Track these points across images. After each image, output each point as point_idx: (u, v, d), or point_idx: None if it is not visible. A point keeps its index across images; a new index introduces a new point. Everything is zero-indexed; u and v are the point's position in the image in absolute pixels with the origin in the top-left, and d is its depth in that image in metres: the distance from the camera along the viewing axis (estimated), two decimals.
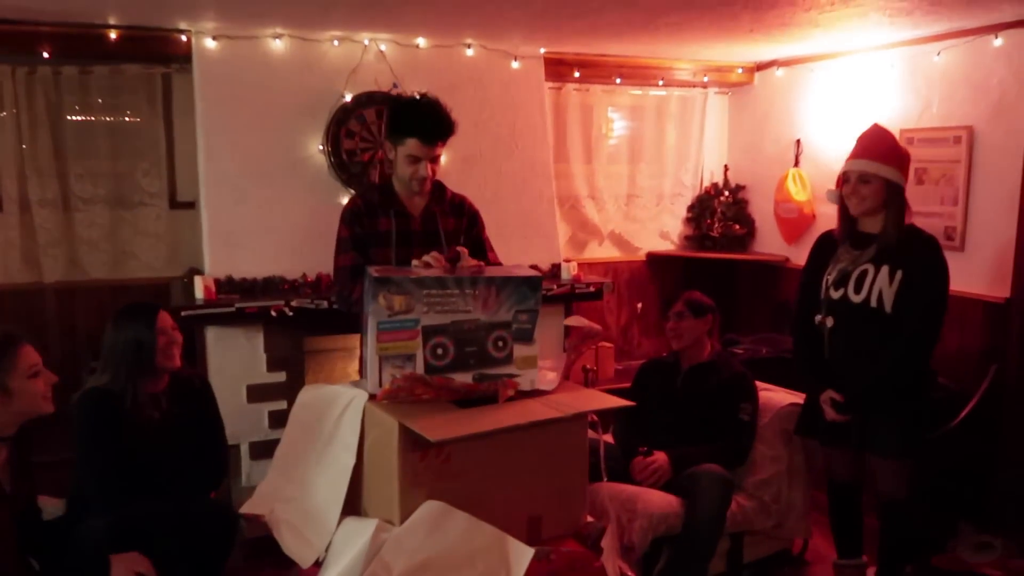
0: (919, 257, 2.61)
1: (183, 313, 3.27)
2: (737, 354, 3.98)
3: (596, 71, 4.48)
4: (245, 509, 2.30)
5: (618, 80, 4.58)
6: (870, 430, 2.67)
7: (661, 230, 5.05)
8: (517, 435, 2.00)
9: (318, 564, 2.03)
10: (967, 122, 3.64)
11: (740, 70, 4.81)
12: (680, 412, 3.09)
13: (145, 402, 2.51)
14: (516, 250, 3.80)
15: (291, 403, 2.36)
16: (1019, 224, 3.40)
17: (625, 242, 4.99)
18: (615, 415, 3.22)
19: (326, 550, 2.03)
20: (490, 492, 2.01)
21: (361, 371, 2.20)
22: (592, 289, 4.11)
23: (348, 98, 3.79)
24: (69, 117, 3.83)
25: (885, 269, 2.62)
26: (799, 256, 4.42)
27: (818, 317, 2.78)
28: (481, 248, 2.70)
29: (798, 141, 4.58)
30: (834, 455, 2.90)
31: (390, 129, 2.59)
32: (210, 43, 3.61)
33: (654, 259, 5.02)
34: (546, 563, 1.98)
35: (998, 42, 3.48)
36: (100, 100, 3.86)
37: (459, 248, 2.27)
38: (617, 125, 4.93)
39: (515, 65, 4.16)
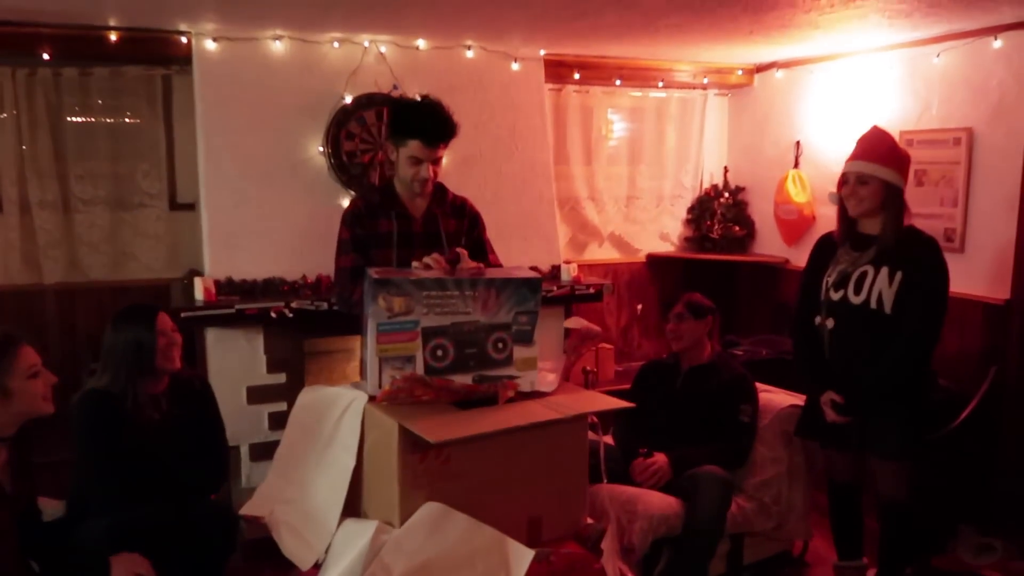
0: (919, 258, 2.62)
1: (183, 314, 3.27)
2: (737, 355, 3.98)
3: (596, 73, 4.48)
4: (245, 511, 2.30)
5: (618, 82, 4.58)
6: (870, 431, 2.67)
7: (661, 231, 5.06)
8: (517, 436, 2.01)
9: (318, 566, 2.03)
10: (967, 124, 3.64)
11: (740, 72, 4.81)
12: (680, 413, 3.09)
13: (145, 403, 2.51)
14: (516, 251, 3.80)
15: (291, 404, 2.36)
16: (1019, 225, 3.40)
17: (625, 243, 4.99)
18: (615, 416, 3.22)
19: (326, 552, 2.03)
20: (490, 493, 2.01)
21: (361, 372, 2.19)
22: (592, 291, 4.12)
23: (348, 100, 3.79)
24: (69, 118, 3.83)
25: (885, 270, 2.62)
26: (799, 258, 4.43)
27: (818, 319, 2.78)
28: (482, 250, 2.71)
29: (798, 143, 4.58)
30: (834, 456, 2.90)
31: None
32: (210, 45, 3.61)
33: (654, 260, 5.02)
34: (546, 564, 1.98)
35: (997, 44, 3.48)
36: (100, 101, 3.86)
37: (459, 250, 2.27)
38: (617, 127, 4.93)
39: (515, 67, 4.16)
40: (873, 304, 2.62)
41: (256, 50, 3.69)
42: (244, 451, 3.62)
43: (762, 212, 4.87)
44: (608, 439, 3.18)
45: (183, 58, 3.67)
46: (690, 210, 5.07)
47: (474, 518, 1.93)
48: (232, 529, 2.54)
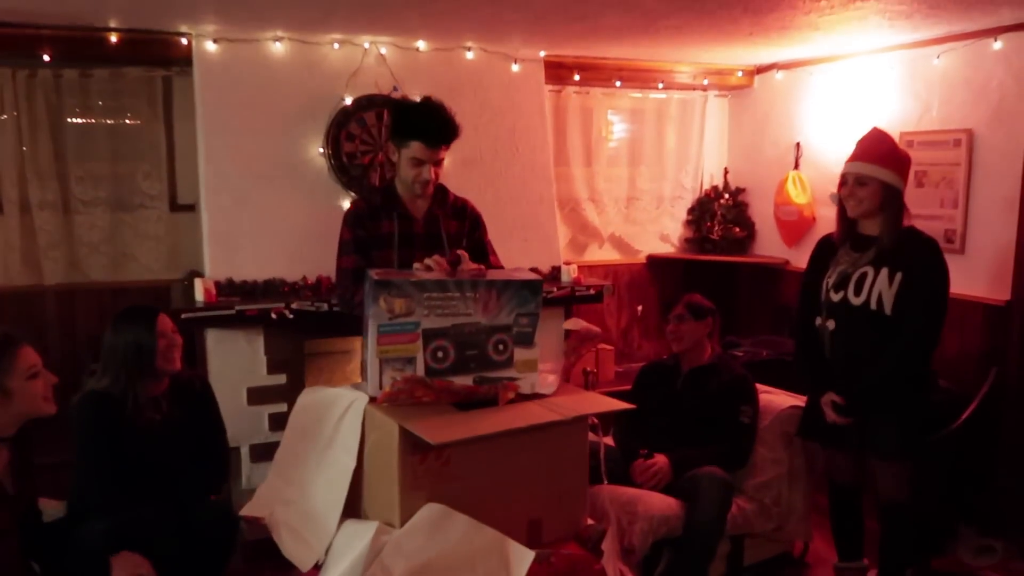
0: (918, 259, 2.62)
1: (183, 316, 3.27)
2: (737, 356, 3.98)
3: (596, 74, 4.49)
4: (245, 511, 2.30)
5: (618, 83, 4.58)
6: (870, 432, 2.67)
7: (661, 233, 5.06)
8: (517, 438, 2.01)
9: (318, 567, 2.03)
10: (967, 125, 3.64)
11: (740, 73, 4.81)
12: (680, 415, 3.08)
13: (145, 405, 2.51)
14: (516, 252, 3.80)
15: (291, 405, 2.37)
16: (1019, 226, 3.41)
17: (625, 245, 4.99)
18: (615, 418, 3.21)
19: (326, 553, 2.03)
20: (490, 495, 2.01)
21: (362, 373, 2.19)
22: (592, 292, 4.11)
23: (348, 101, 3.79)
24: (69, 120, 3.83)
25: (884, 271, 2.62)
26: (799, 259, 4.43)
27: (819, 320, 2.78)
28: (483, 252, 2.71)
29: (798, 144, 4.58)
30: (835, 457, 2.90)
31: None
32: (211, 46, 3.61)
33: (654, 262, 5.02)
34: (546, 566, 1.98)
35: (997, 45, 3.48)
36: (101, 103, 3.86)
37: (459, 252, 2.28)
38: (617, 128, 4.93)
39: (515, 68, 4.16)
40: (873, 305, 2.62)
41: (256, 51, 3.69)
42: (244, 452, 3.62)
43: (762, 213, 4.87)
44: (608, 440, 3.18)
45: (183, 59, 3.67)
46: (690, 211, 5.07)
47: (474, 519, 1.93)
48: (233, 530, 2.54)
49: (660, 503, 2.85)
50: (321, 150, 3.80)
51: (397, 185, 2.66)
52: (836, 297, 2.71)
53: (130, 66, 3.81)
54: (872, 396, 2.64)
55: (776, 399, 3.24)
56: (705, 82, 4.76)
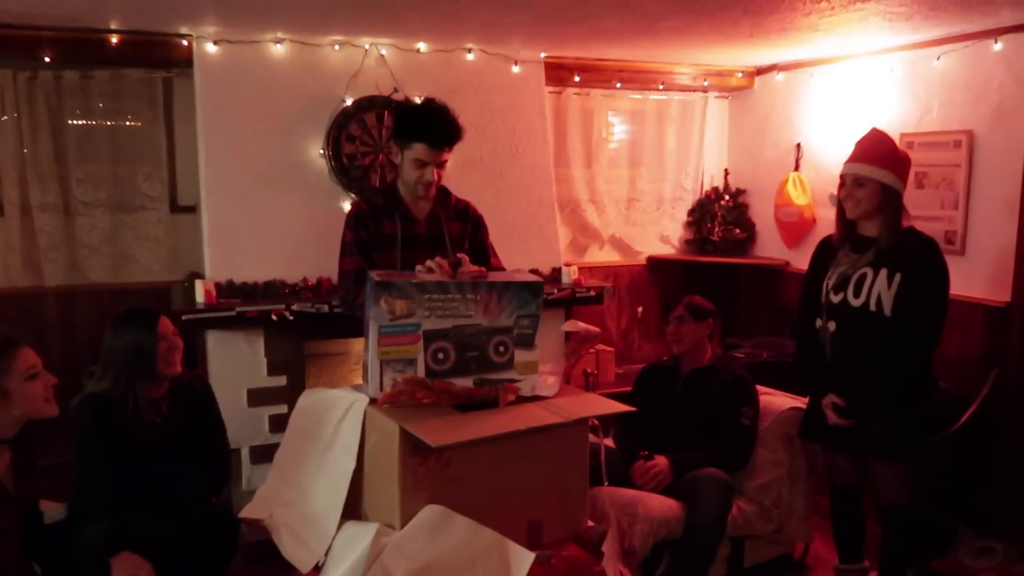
0: (918, 259, 2.61)
1: (184, 317, 3.27)
2: (738, 358, 3.97)
3: (596, 75, 4.49)
4: (245, 513, 2.30)
5: (618, 84, 4.58)
6: (871, 433, 2.67)
7: (661, 234, 5.05)
8: (518, 440, 2.01)
9: (318, 568, 2.03)
10: (967, 126, 3.64)
11: (740, 74, 4.82)
12: (681, 416, 3.08)
13: (146, 407, 2.51)
14: (516, 254, 3.81)
15: (292, 407, 2.37)
16: (1019, 228, 3.40)
17: (625, 246, 4.99)
18: (616, 419, 3.21)
19: (326, 554, 2.03)
20: (491, 496, 2.01)
21: (363, 375, 2.20)
22: (592, 293, 4.12)
23: (349, 102, 3.79)
24: (70, 121, 3.83)
25: (884, 272, 2.62)
26: (799, 260, 4.43)
27: (819, 321, 2.78)
28: (484, 254, 2.71)
29: (798, 145, 4.58)
30: (836, 459, 2.90)
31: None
32: (211, 48, 3.62)
33: (654, 263, 5.02)
34: (547, 567, 1.98)
35: (998, 46, 3.48)
36: (101, 104, 3.86)
37: (460, 254, 2.28)
38: (617, 129, 4.93)
39: (515, 69, 4.16)
40: (872, 306, 2.62)
41: (257, 53, 3.70)
42: (245, 454, 3.62)
43: (762, 215, 4.87)
44: (609, 442, 3.18)
45: (184, 61, 3.67)
46: (690, 212, 5.07)
47: (475, 521, 1.93)
48: (233, 532, 2.54)
49: (660, 505, 2.84)
50: (321, 151, 3.80)
51: (399, 186, 2.66)
52: (836, 299, 2.71)
53: (131, 68, 3.81)
54: (873, 398, 2.63)
55: (776, 400, 3.24)
56: (705, 83, 4.76)
